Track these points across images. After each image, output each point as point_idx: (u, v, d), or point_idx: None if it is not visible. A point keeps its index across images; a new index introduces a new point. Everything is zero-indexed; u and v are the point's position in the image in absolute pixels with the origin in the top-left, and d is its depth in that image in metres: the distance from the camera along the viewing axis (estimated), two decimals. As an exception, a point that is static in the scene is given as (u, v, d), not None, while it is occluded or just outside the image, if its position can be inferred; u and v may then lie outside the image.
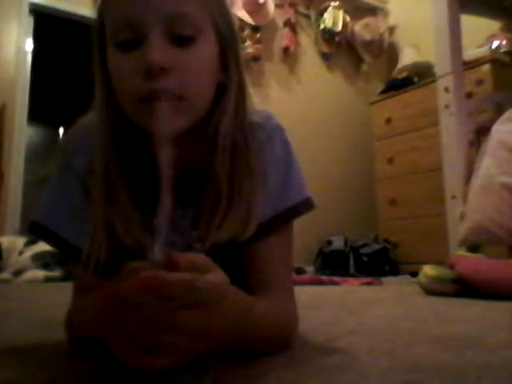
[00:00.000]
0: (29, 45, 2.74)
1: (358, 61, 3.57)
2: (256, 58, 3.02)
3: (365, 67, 3.59)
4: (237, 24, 0.62)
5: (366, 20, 3.48)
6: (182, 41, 0.51)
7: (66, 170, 0.60)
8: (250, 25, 2.98)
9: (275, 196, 0.60)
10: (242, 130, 0.58)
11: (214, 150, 0.57)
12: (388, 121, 3.01)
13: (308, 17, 3.39)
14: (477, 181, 1.56)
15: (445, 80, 1.88)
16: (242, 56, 0.60)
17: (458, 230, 1.63)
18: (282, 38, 3.21)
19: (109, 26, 0.52)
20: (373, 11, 3.62)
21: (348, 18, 3.42)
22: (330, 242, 2.90)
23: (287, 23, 3.21)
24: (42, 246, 2.26)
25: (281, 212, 0.60)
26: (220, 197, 0.56)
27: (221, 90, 0.57)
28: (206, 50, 0.53)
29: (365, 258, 2.79)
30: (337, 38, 3.39)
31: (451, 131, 1.85)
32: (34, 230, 0.60)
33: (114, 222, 0.54)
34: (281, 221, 0.60)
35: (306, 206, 0.62)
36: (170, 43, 0.50)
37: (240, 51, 0.60)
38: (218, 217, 0.55)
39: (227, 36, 0.56)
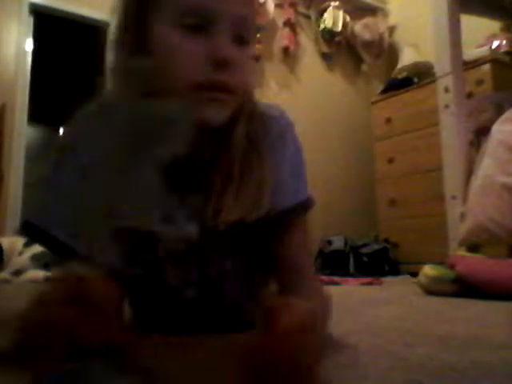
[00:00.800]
0: (29, 45, 2.73)
1: (358, 61, 3.57)
2: (256, 58, 3.02)
3: (365, 67, 3.59)
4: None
5: (365, 20, 3.48)
6: (240, 41, 0.55)
7: (66, 162, 0.57)
8: (250, 25, 2.98)
9: (291, 189, 0.63)
10: (254, 117, 0.62)
11: (226, 134, 0.59)
12: (388, 121, 3.01)
13: (308, 17, 3.39)
14: (477, 181, 1.56)
15: (445, 80, 1.88)
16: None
17: (458, 230, 1.63)
18: (282, 38, 3.21)
19: (173, 6, 0.54)
20: (373, 11, 3.62)
21: (348, 18, 3.42)
22: (330, 242, 2.90)
23: (287, 23, 3.20)
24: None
25: (299, 203, 0.64)
26: (230, 180, 0.58)
27: None
28: (252, 51, 0.60)
29: (365, 258, 2.79)
30: (337, 38, 3.39)
31: (451, 131, 1.85)
32: (26, 230, 0.58)
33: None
34: (301, 211, 0.64)
35: (313, 200, 0.67)
36: (232, 41, 0.54)
37: None
38: (228, 198, 0.58)
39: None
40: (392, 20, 3.66)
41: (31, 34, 2.75)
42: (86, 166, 0.54)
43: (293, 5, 3.24)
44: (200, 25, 0.53)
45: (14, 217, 2.56)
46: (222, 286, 0.65)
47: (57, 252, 0.57)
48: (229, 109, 0.56)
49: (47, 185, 0.59)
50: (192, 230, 0.58)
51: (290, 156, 0.64)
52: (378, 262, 2.78)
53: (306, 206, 0.65)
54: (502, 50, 2.64)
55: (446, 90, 1.86)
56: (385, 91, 3.14)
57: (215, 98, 0.53)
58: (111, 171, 0.52)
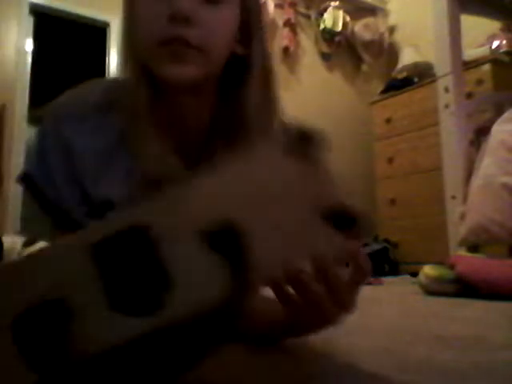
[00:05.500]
0: (29, 45, 2.73)
1: (358, 61, 3.57)
2: (256, 58, 3.02)
3: (365, 67, 3.59)
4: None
5: (365, 20, 3.48)
6: (211, 0, 0.55)
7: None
8: (250, 25, 2.98)
9: None
10: (270, 114, 0.63)
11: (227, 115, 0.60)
12: (388, 121, 3.01)
13: (308, 17, 3.39)
14: (477, 181, 1.56)
15: (445, 80, 1.88)
16: (265, 32, 0.64)
17: (458, 230, 1.63)
18: (282, 37, 3.20)
19: None
20: (373, 11, 3.61)
21: (348, 18, 3.42)
22: (329, 242, 2.90)
23: (287, 23, 3.20)
24: (41, 246, 2.26)
25: None
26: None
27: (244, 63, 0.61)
28: (228, 13, 0.57)
29: (365, 258, 2.79)
30: (337, 38, 3.39)
31: (451, 131, 1.85)
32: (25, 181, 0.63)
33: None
34: None
35: None
36: (202, 1, 0.54)
37: (264, 27, 0.63)
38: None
39: (252, 12, 0.60)
40: (392, 20, 3.66)
41: (31, 34, 2.75)
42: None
43: (293, 5, 3.24)
44: None
45: (14, 216, 2.56)
46: None
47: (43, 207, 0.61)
48: (195, 67, 0.55)
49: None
50: None
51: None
52: (378, 262, 2.78)
53: None
54: (502, 50, 2.64)
55: (446, 89, 1.86)
56: (385, 91, 3.14)
57: (175, 51, 0.53)
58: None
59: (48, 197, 0.59)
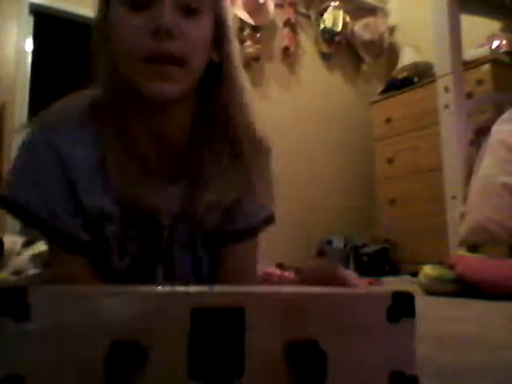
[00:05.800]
0: (29, 45, 2.73)
1: (358, 61, 3.57)
2: (256, 58, 3.01)
3: (365, 67, 3.59)
4: (234, 22, 0.66)
5: (365, 20, 3.48)
6: (187, 11, 0.55)
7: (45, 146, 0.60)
8: (250, 25, 2.97)
9: (262, 204, 0.65)
10: (244, 115, 0.62)
11: (209, 122, 0.61)
12: (388, 121, 3.01)
13: (308, 17, 3.39)
14: (477, 181, 1.56)
15: (445, 80, 1.88)
16: (234, 43, 0.64)
17: (457, 230, 1.63)
18: (282, 37, 3.20)
19: None
20: (373, 11, 3.61)
21: (348, 18, 3.42)
22: (329, 242, 2.90)
23: (287, 23, 3.20)
24: (41, 247, 2.25)
25: (264, 219, 0.66)
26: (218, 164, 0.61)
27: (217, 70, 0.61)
28: (206, 22, 0.57)
29: (365, 258, 2.79)
30: (337, 38, 3.39)
31: (451, 131, 1.85)
32: (8, 206, 0.61)
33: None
34: (263, 227, 0.66)
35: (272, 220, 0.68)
36: (178, 11, 0.54)
37: (232, 31, 0.63)
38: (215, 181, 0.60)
39: (223, 21, 0.61)
40: (392, 20, 3.66)
41: (31, 34, 2.75)
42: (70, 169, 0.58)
43: (293, 5, 3.24)
44: (143, 1, 0.53)
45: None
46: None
47: (30, 223, 0.61)
48: (178, 83, 0.55)
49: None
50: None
51: (267, 173, 0.65)
52: (378, 262, 2.78)
53: (268, 222, 0.67)
54: (502, 50, 2.64)
55: (446, 89, 1.86)
56: (385, 91, 3.14)
57: (160, 69, 0.53)
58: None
59: (39, 215, 0.58)
